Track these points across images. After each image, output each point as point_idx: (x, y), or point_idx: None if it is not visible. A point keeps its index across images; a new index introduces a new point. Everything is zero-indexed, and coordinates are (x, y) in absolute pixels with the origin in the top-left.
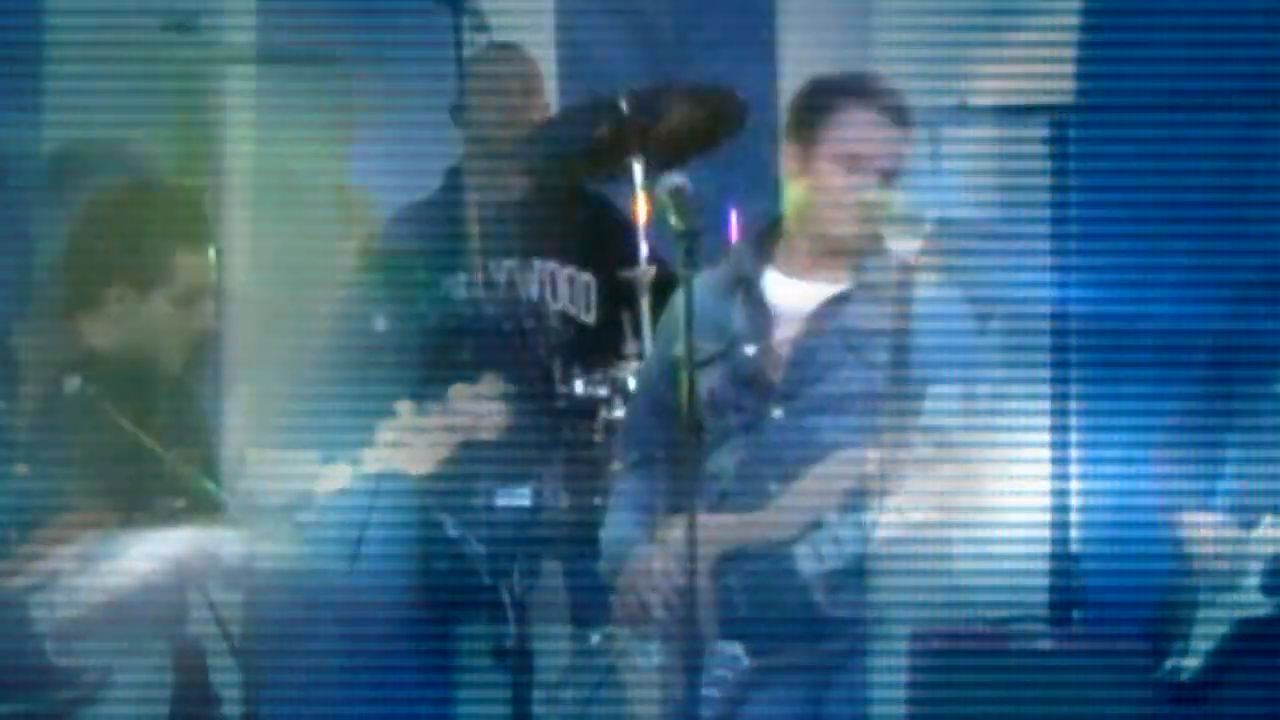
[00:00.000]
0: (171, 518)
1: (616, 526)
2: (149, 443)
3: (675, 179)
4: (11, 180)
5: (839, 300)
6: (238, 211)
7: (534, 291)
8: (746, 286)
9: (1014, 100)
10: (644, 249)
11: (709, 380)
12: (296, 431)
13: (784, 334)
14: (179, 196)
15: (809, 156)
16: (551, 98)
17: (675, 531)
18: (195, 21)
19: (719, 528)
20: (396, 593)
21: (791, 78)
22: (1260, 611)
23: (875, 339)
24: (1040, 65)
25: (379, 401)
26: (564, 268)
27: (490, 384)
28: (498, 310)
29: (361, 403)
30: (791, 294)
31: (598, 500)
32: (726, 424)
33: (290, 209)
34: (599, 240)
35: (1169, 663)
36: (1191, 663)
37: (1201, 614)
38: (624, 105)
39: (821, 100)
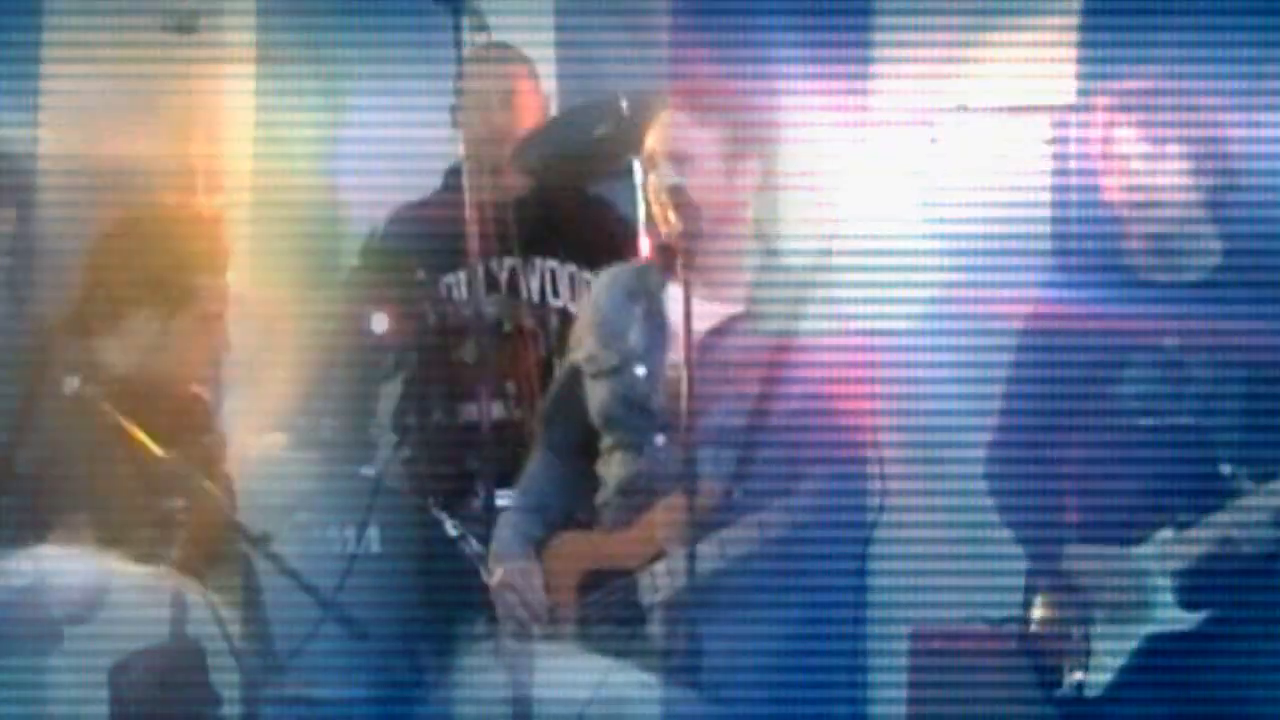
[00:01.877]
0: (173, 521)
1: (502, 526)
2: (156, 449)
3: (675, 179)
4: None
5: (724, 329)
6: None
7: (534, 290)
8: (648, 300)
9: (1014, 100)
10: (644, 248)
11: (600, 394)
12: (297, 432)
13: (674, 357)
14: (200, 218)
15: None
16: (551, 98)
17: (547, 543)
18: (195, 21)
19: (583, 545)
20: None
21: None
22: (1177, 627)
23: (755, 370)
24: (1040, 65)
25: (379, 401)
26: (564, 266)
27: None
28: (498, 309)
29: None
30: (685, 314)
31: None
32: (615, 439)
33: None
34: (599, 239)
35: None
36: (1100, 679)
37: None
38: (624, 105)
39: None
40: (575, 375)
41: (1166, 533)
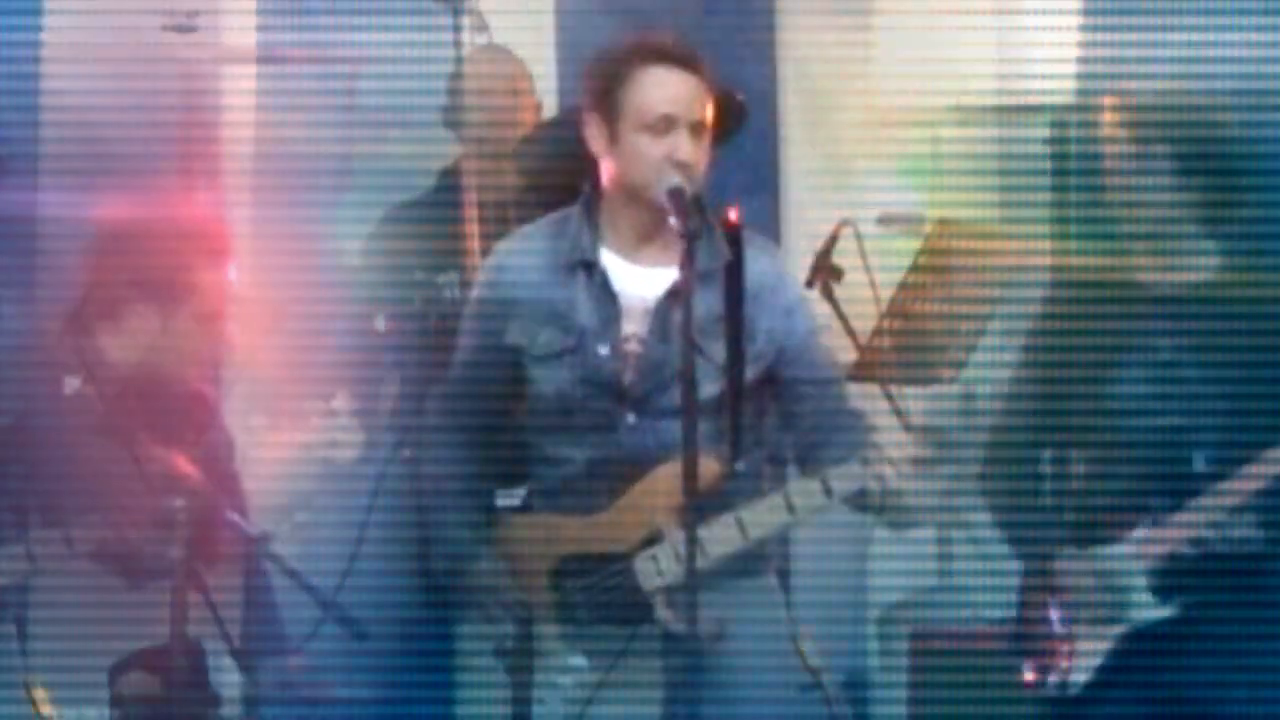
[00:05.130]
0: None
1: (444, 525)
2: (157, 449)
3: (675, 180)
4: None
5: (678, 292)
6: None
7: None
8: (588, 270)
9: (1014, 100)
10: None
11: (554, 378)
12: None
13: (632, 330)
14: (200, 212)
15: (615, 124)
16: (551, 98)
17: (515, 532)
18: (195, 21)
19: (557, 529)
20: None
21: (792, 78)
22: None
23: (718, 334)
24: (1040, 65)
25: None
26: None
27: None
28: None
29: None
30: (632, 281)
31: None
32: (573, 422)
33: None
34: None
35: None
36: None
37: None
38: None
39: (615, 67)
40: (498, 358)
41: (1142, 532)
